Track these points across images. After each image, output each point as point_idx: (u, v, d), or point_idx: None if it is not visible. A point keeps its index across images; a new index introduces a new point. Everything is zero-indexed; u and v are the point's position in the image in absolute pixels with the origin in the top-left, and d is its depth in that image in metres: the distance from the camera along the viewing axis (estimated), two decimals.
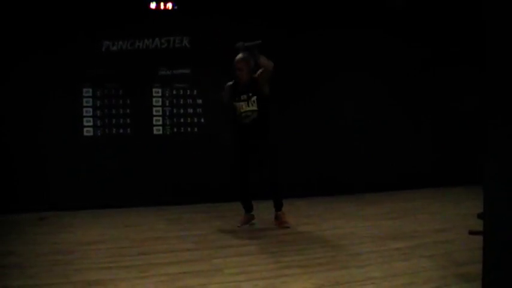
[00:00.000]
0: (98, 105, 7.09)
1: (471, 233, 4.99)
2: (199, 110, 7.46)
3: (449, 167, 8.47)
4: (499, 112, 3.25)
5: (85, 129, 7.04)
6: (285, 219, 5.59)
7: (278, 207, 5.61)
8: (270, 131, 5.61)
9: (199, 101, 7.46)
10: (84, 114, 7.04)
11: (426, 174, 8.46)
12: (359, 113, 8.25)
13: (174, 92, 7.38)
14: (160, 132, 7.32)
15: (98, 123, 7.09)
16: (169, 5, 7.17)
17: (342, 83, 8.05)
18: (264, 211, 5.82)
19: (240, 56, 5.48)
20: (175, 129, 7.38)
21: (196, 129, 7.44)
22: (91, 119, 7.06)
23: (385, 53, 8.25)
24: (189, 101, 7.44)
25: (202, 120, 7.46)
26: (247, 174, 5.63)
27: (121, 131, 7.16)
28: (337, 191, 7.81)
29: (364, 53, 8.10)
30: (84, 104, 7.04)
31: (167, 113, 7.35)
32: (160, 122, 7.33)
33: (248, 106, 5.46)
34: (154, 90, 7.31)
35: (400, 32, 8.31)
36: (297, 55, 7.66)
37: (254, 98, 5.46)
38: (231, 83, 5.63)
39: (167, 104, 7.36)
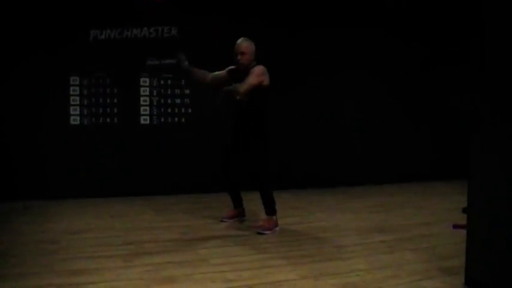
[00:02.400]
0: (85, 94, 7.04)
1: (455, 226, 5.06)
2: (186, 100, 7.43)
3: (448, 165, 8.50)
4: (485, 112, 3.29)
5: (71, 117, 6.98)
6: (263, 225, 5.06)
7: (266, 211, 5.16)
8: (265, 129, 5.15)
9: (187, 91, 7.42)
10: (71, 102, 6.98)
11: (425, 173, 8.51)
12: (358, 111, 8.26)
13: (162, 82, 7.35)
14: (148, 122, 7.28)
15: (85, 112, 7.04)
16: None
17: (341, 82, 8.06)
18: (250, 202, 5.82)
19: (242, 39, 5.12)
20: (162, 119, 7.35)
21: (183, 120, 7.41)
22: (78, 107, 7.01)
23: (384, 51, 8.26)
24: (177, 91, 7.41)
25: (190, 110, 7.43)
26: (229, 166, 5.32)
27: (108, 120, 7.12)
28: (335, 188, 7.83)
29: (364, 51, 8.11)
30: (71, 93, 6.98)
31: (154, 103, 7.32)
32: (148, 112, 7.29)
33: None
34: (142, 79, 7.27)
35: (400, 31, 8.33)
36: (296, 54, 7.67)
37: None
38: (232, 67, 5.25)
39: (155, 94, 7.32)
